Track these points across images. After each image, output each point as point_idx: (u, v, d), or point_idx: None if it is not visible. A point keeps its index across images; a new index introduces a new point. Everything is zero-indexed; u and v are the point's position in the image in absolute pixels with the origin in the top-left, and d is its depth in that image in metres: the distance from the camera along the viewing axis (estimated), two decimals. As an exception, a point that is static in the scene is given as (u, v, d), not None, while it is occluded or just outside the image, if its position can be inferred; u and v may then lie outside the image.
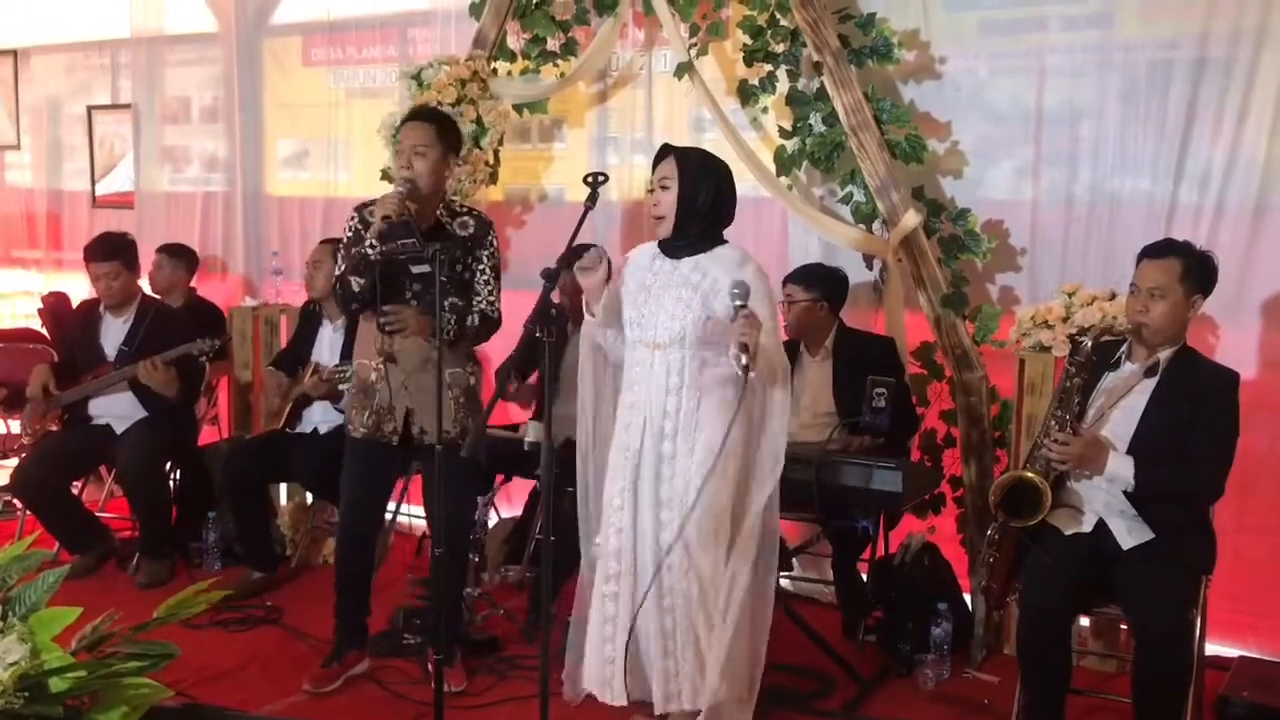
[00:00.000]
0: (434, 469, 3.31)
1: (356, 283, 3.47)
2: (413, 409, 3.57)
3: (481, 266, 3.58)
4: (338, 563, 3.80)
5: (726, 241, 3.11)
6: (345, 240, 3.59)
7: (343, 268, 3.53)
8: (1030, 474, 3.14)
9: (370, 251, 3.39)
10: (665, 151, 3.13)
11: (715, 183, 3.08)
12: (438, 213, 3.56)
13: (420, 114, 3.65)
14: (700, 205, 3.05)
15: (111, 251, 4.71)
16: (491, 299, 3.59)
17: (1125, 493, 3.12)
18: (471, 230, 3.58)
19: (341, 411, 4.30)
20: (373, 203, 3.59)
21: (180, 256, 5.42)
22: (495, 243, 3.62)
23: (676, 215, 3.06)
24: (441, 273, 3.23)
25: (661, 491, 3.05)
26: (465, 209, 3.69)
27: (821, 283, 4.12)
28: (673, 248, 3.10)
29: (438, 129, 3.55)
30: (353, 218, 3.59)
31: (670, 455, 3.04)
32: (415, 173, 3.47)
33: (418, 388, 3.55)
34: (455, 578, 3.76)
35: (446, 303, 3.42)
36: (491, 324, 3.61)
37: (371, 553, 3.81)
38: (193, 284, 5.55)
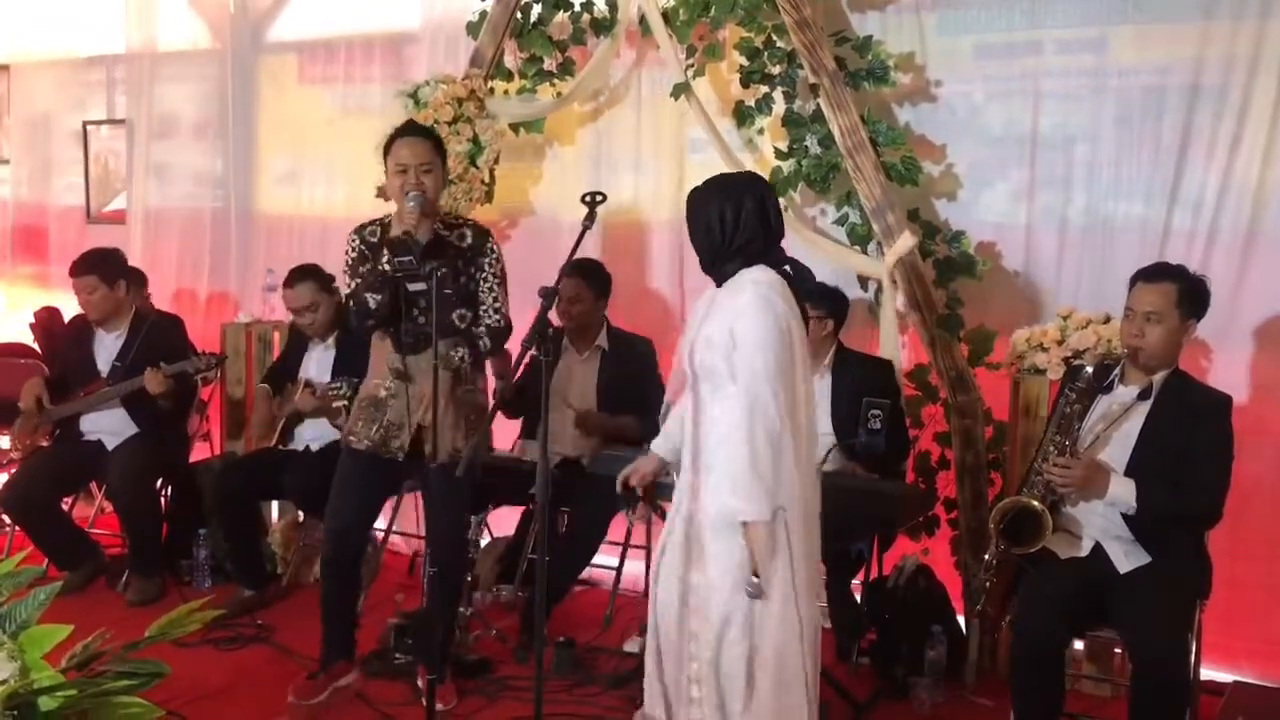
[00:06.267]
0: (435, 487, 3.29)
1: (373, 299, 3.46)
2: (425, 426, 3.54)
3: (484, 275, 3.58)
4: (323, 578, 3.76)
5: (756, 265, 2.92)
6: (349, 261, 3.59)
7: (352, 286, 3.54)
8: (1031, 500, 3.13)
9: (388, 267, 3.39)
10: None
11: (704, 217, 2.90)
12: (435, 226, 3.56)
13: (415, 130, 3.64)
14: (699, 246, 2.93)
15: (87, 267, 4.66)
16: (497, 305, 3.59)
17: (1124, 517, 3.12)
18: (470, 241, 3.59)
19: (339, 428, 4.27)
20: (370, 224, 3.59)
21: (137, 278, 5.17)
22: (496, 249, 3.62)
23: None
24: (445, 286, 3.25)
25: (696, 514, 2.89)
26: (460, 220, 3.71)
27: (826, 299, 4.12)
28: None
29: (434, 145, 3.59)
30: (352, 239, 3.60)
31: (691, 483, 2.90)
32: (426, 187, 3.48)
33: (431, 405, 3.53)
34: (452, 597, 3.73)
35: (455, 314, 3.45)
36: (501, 334, 3.62)
37: (359, 567, 3.78)
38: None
